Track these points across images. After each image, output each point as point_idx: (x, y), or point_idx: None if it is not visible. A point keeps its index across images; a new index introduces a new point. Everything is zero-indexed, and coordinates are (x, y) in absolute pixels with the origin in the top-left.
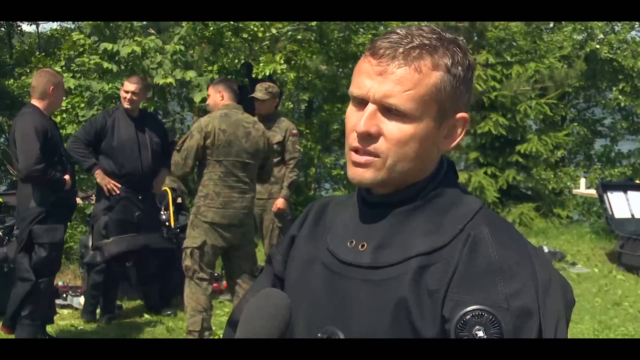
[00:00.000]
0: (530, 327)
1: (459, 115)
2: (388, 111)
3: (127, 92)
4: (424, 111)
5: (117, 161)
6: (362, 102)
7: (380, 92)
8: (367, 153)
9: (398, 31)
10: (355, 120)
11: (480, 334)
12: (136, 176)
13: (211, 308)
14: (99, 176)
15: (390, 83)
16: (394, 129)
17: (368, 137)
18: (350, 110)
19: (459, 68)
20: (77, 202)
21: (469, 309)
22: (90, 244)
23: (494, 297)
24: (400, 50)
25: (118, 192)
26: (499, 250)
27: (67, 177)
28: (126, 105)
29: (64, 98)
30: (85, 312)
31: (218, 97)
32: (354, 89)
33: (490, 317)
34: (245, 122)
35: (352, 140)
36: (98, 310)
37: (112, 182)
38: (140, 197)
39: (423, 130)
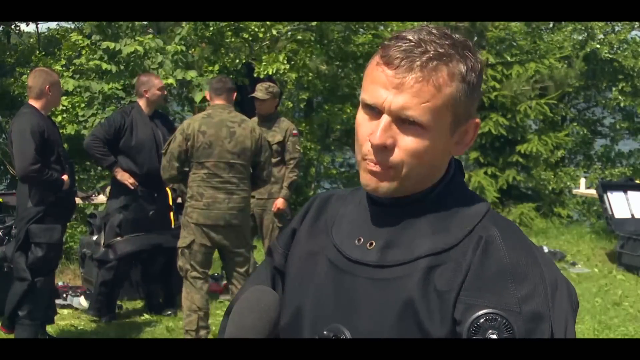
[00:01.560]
0: (542, 331)
1: (471, 121)
2: (404, 122)
3: (162, 88)
4: (439, 122)
5: (136, 160)
6: (374, 110)
7: (397, 104)
8: (382, 164)
9: (409, 37)
10: (368, 129)
11: (494, 337)
12: (154, 175)
13: (207, 307)
14: (119, 174)
15: (407, 95)
16: (409, 141)
17: (383, 150)
18: (362, 117)
19: (473, 75)
20: (77, 202)
21: (482, 312)
22: (102, 241)
23: (507, 301)
24: (417, 62)
25: (137, 184)
26: (510, 253)
27: (65, 177)
28: (162, 101)
29: (63, 97)
30: (92, 309)
31: (208, 98)
32: (368, 97)
33: (504, 321)
34: (230, 122)
35: (366, 150)
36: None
37: (132, 177)
38: (155, 195)
39: (438, 140)
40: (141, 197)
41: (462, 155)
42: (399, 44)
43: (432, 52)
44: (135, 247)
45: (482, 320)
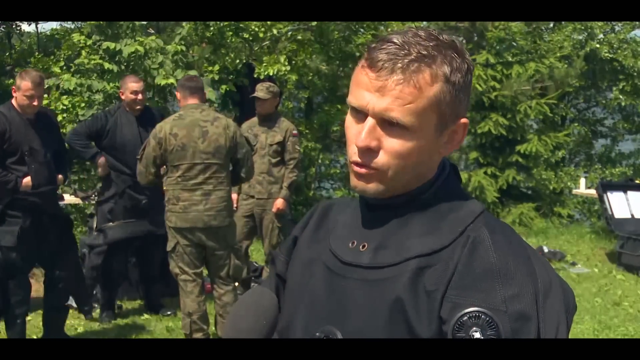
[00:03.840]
0: (528, 331)
1: (459, 121)
2: (388, 124)
3: (136, 92)
4: (424, 123)
5: (120, 160)
6: (360, 113)
7: (380, 106)
8: (368, 166)
9: (394, 40)
10: (355, 131)
11: (477, 335)
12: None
13: (201, 309)
14: (102, 165)
15: (389, 98)
16: (394, 143)
17: (368, 152)
18: (350, 120)
19: (458, 75)
20: (77, 202)
21: (466, 310)
22: (94, 225)
23: (492, 300)
24: (399, 64)
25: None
26: (499, 253)
27: (26, 179)
28: (138, 107)
29: (63, 96)
30: (86, 306)
31: (179, 97)
32: (353, 100)
33: (488, 318)
34: (203, 121)
35: (352, 153)
36: (98, 310)
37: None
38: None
39: (424, 142)
40: (131, 187)
41: (461, 155)
42: (384, 46)
43: (414, 55)
44: (126, 234)
45: (465, 318)
